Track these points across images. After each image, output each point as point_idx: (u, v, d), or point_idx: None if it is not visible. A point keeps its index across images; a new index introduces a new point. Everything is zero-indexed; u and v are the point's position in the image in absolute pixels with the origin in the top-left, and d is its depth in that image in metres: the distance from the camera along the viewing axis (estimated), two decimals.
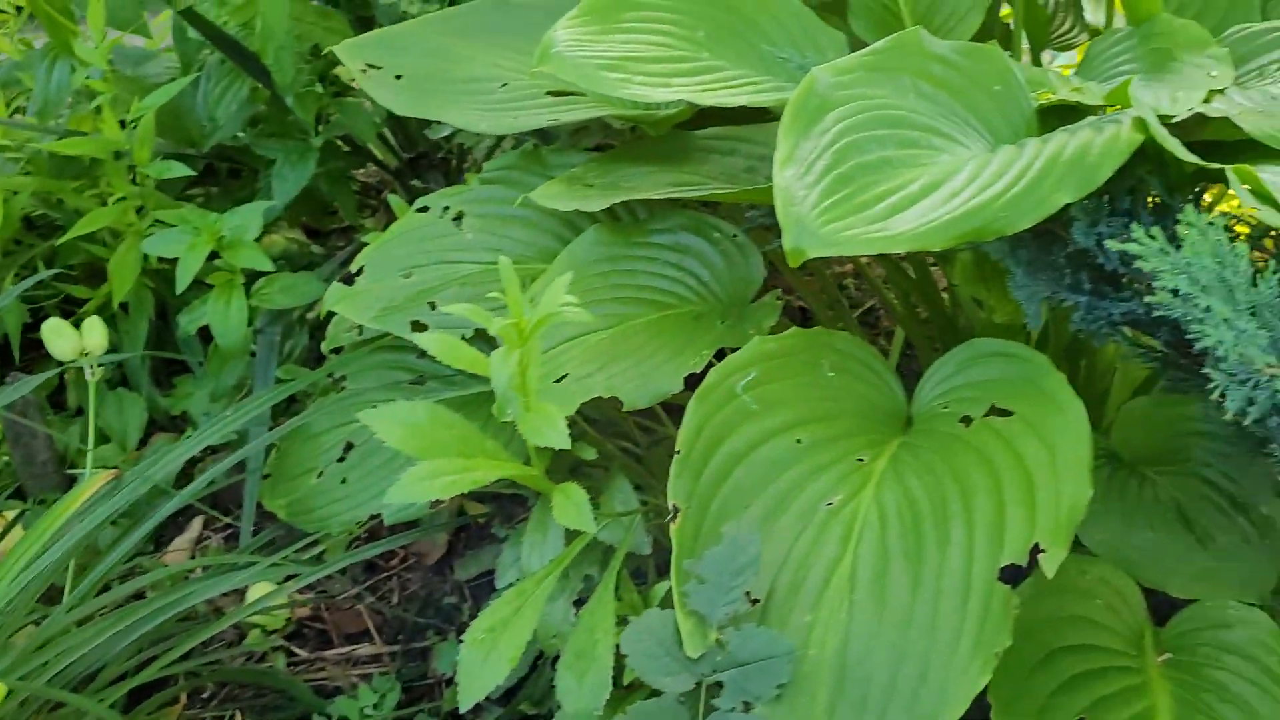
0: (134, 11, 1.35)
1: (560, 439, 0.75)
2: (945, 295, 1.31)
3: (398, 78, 1.12)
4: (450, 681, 1.17)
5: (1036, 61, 1.51)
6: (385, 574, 1.32)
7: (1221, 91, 0.95)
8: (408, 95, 1.10)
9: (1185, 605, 0.90)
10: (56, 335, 1.09)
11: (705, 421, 0.82)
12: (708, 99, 0.91)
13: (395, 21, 1.35)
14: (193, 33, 1.32)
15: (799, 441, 0.83)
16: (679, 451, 0.80)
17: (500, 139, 1.37)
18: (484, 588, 1.30)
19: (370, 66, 1.12)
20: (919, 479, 0.79)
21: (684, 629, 0.73)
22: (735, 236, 1.03)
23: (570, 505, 0.82)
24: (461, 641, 0.84)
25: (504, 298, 0.84)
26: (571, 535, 0.97)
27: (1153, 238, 0.67)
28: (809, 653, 0.72)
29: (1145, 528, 0.98)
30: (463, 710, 0.80)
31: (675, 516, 0.78)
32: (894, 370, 0.91)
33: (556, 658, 0.89)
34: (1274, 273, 0.66)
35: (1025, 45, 1.49)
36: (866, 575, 0.74)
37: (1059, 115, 0.97)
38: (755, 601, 0.75)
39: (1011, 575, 0.75)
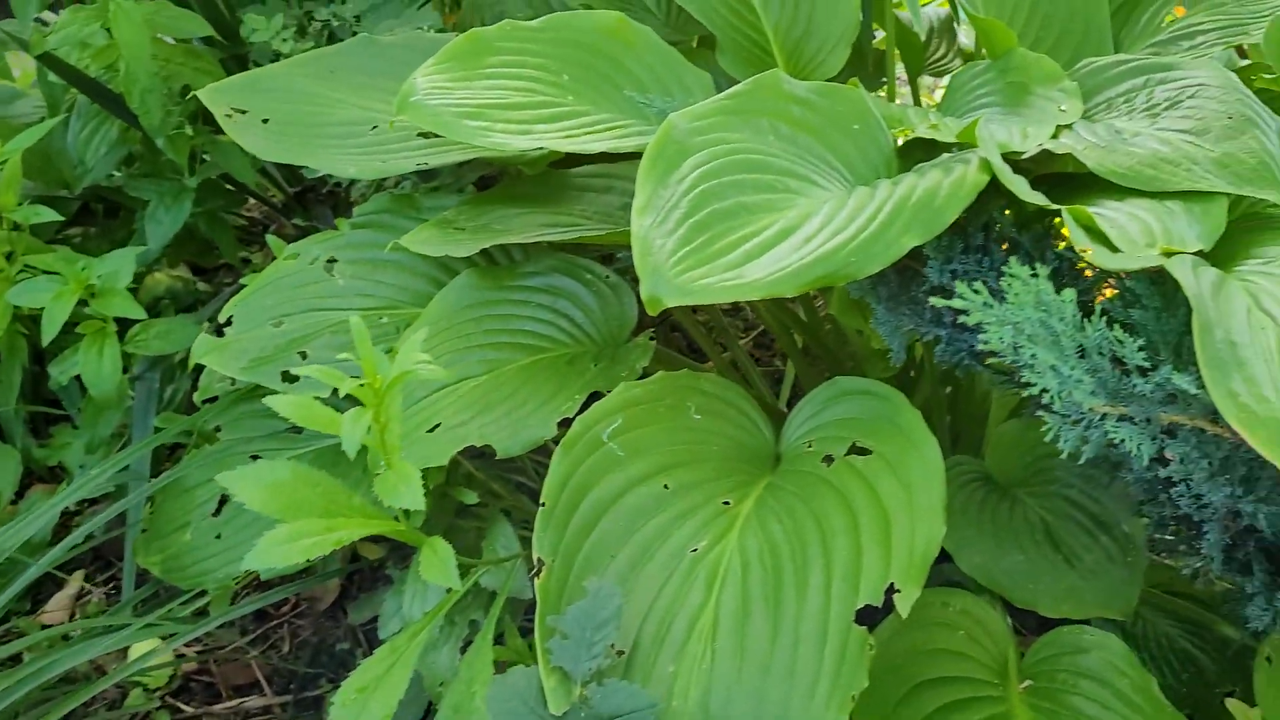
0: None
1: (415, 501, 0.74)
2: (829, 325, 1.33)
3: (265, 122, 1.10)
4: None
5: (915, 87, 1.54)
6: (276, 621, 1.29)
7: (1069, 126, 0.98)
8: (275, 140, 1.08)
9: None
10: None
11: (571, 471, 0.82)
12: (569, 145, 0.91)
13: (270, 59, 1.33)
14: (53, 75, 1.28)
15: (666, 487, 0.83)
16: (544, 504, 0.80)
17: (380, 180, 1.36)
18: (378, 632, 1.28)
19: (236, 111, 1.10)
20: (781, 523, 0.80)
21: (547, 686, 0.73)
22: (608, 277, 1.04)
23: (436, 561, 0.81)
24: None
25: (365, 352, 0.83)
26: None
27: (976, 292, 0.69)
28: (672, 704, 0.73)
29: (1016, 549, 1.01)
30: None
31: (540, 571, 0.77)
32: (762, 409, 0.92)
33: None
34: (1100, 315, 0.68)
35: (902, 72, 1.52)
36: (728, 623, 0.75)
37: (923, 148, 0.99)
38: (621, 653, 0.75)
39: (875, 610, 0.76)
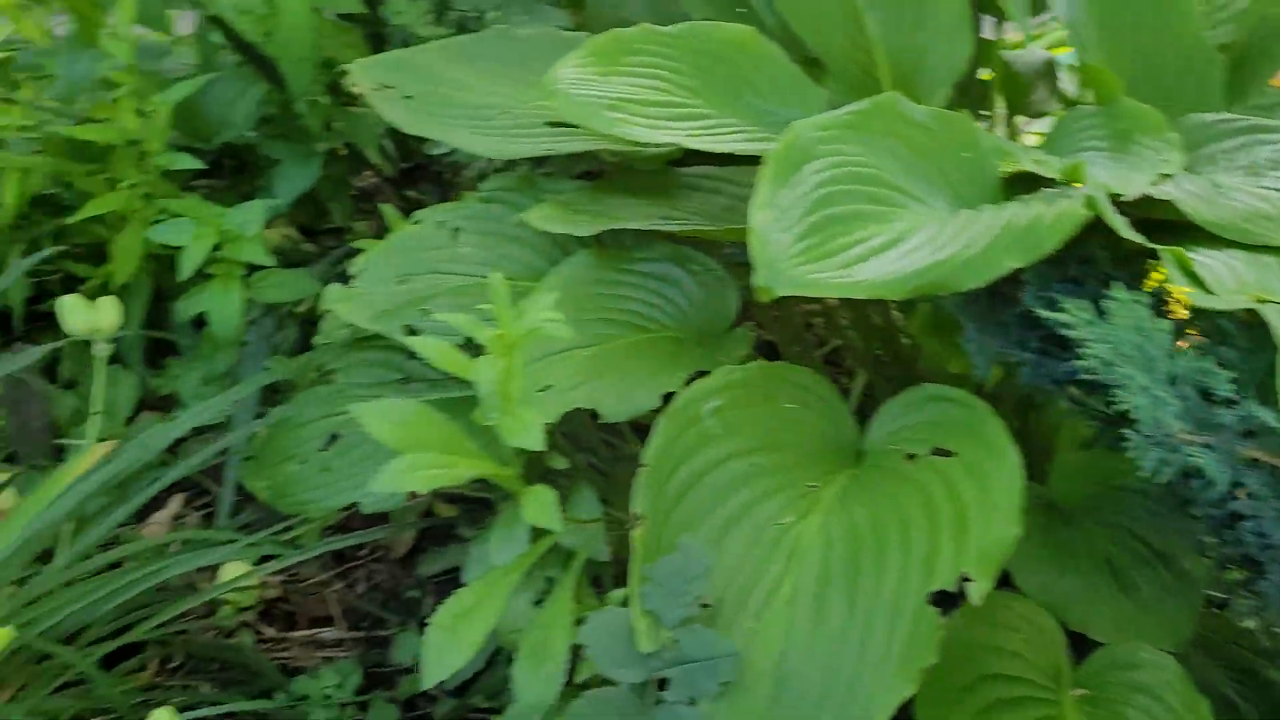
0: (159, 10, 1.41)
1: (536, 442, 0.81)
2: (906, 341, 1.39)
3: (407, 98, 1.18)
4: (408, 671, 1.22)
5: (1011, 125, 1.60)
6: (353, 564, 1.37)
7: (1170, 176, 1.03)
8: (415, 115, 1.16)
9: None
10: (72, 311, 1.15)
11: (671, 440, 0.89)
12: (697, 144, 0.98)
13: (406, 41, 1.42)
14: (214, 35, 1.38)
15: (754, 465, 0.89)
16: (646, 464, 0.87)
17: (490, 161, 1.43)
18: (446, 584, 1.35)
19: (383, 86, 1.18)
20: (863, 509, 0.85)
21: (639, 626, 0.79)
22: (713, 270, 1.10)
23: (540, 505, 0.88)
24: (423, 631, 0.90)
25: (493, 309, 0.91)
26: (537, 536, 1.03)
27: (1083, 310, 0.75)
28: (751, 658, 0.79)
29: (1074, 573, 1.05)
30: (425, 686, 0.86)
31: (637, 524, 0.84)
32: (850, 407, 0.98)
33: (511, 656, 0.95)
34: (1193, 348, 0.74)
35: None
36: (807, 595, 0.81)
37: (1024, 184, 1.04)
38: (706, 606, 0.81)
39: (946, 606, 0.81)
